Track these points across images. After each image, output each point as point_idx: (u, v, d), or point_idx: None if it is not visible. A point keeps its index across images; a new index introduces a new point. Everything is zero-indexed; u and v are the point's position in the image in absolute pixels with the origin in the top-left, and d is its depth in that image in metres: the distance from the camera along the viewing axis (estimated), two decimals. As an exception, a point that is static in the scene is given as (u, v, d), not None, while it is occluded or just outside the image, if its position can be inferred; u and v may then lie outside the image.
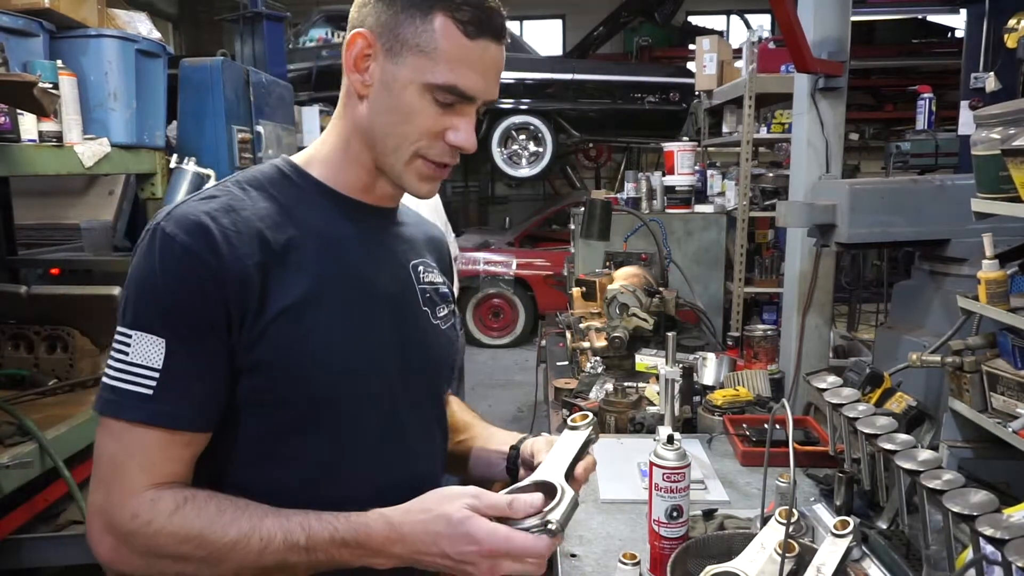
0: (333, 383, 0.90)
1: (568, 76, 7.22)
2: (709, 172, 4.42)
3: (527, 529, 0.81)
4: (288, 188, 0.95)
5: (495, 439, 1.14)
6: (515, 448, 1.08)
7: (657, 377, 1.98)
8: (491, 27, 0.88)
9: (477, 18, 0.86)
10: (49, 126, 2.02)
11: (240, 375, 0.86)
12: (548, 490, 0.85)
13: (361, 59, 0.89)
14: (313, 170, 0.97)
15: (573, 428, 0.98)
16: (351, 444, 0.93)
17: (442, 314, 1.06)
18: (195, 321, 0.83)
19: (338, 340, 0.90)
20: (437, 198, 3.27)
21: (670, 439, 1.22)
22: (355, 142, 0.95)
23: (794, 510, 1.07)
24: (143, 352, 0.82)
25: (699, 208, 3.89)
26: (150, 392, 0.81)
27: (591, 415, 1.00)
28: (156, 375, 0.81)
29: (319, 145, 1.00)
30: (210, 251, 0.83)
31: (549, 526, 0.80)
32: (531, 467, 1.02)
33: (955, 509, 0.94)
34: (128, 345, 0.82)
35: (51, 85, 1.98)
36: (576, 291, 2.75)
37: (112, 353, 0.83)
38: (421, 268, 1.05)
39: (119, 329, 0.84)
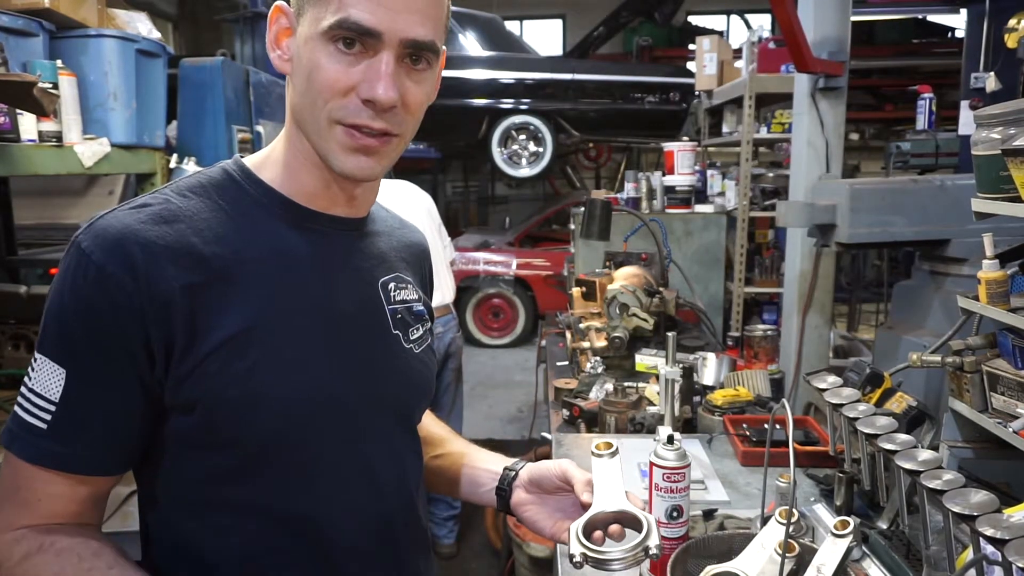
0: (282, 425, 0.79)
1: (568, 76, 7.21)
2: (709, 172, 4.42)
3: (632, 555, 0.84)
4: (236, 195, 0.82)
5: (479, 458, 1.09)
6: (510, 469, 1.02)
7: (657, 377, 1.98)
8: None
9: None
10: (49, 126, 2.02)
11: (170, 413, 0.77)
12: (628, 519, 0.90)
13: (283, 35, 0.80)
14: (265, 174, 0.85)
15: (599, 456, 0.98)
16: (306, 490, 0.82)
17: (415, 336, 0.95)
18: (104, 352, 0.73)
19: (289, 377, 0.79)
20: (430, 200, 3.28)
21: (670, 439, 1.22)
22: (294, 134, 0.83)
23: (794, 510, 1.07)
24: (44, 381, 0.73)
25: (699, 208, 3.88)
26: (44, 427, 0.73)
27: (614, 444, 0.99)
28: (52, 408, 0.73)
29: (274, 145, 0.87)
30: (128, 271, 0.72)
31: (651, 552, 0.84)
32: (540, 489, 0.99)
33: (955, 509, 0.94)
34: (34, 370, 0.75)
35: (51, 85, 1.97)
36: (576, 291, 2.75)
37: (25, 376, 0.76)
38: (392, 285, 0.93)
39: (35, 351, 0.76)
